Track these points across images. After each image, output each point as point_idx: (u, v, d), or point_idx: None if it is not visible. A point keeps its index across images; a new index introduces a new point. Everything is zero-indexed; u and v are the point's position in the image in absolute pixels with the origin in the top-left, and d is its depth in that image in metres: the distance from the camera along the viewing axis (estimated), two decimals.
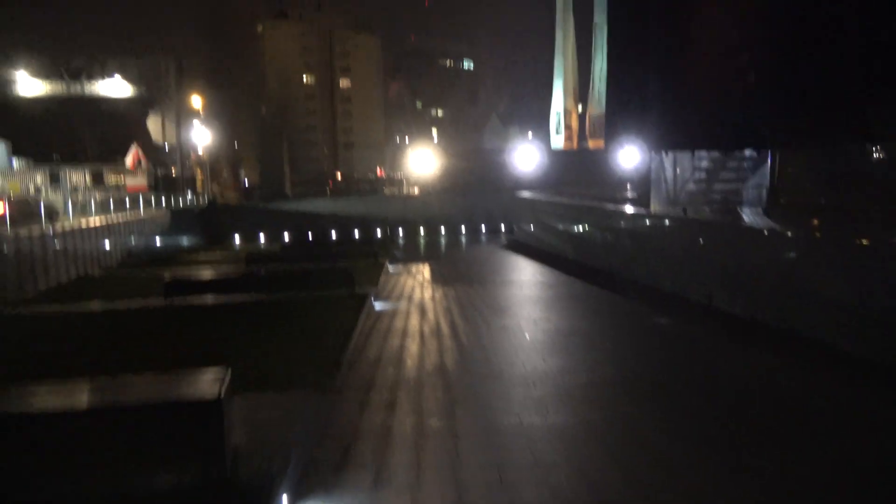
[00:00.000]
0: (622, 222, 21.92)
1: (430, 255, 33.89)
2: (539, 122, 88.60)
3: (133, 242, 29.70)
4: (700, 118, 17.19)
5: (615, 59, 23.33)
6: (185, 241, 38.63)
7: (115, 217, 29.19)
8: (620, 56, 22.51)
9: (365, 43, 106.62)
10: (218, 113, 71.89)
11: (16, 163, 43.25)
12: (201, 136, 59.80)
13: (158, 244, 33.47)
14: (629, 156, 55.40)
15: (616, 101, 22.66)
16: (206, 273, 23.85)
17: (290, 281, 19.07)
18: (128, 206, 36.07)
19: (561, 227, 31.59)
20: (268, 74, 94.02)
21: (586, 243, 25.89)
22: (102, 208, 35.23)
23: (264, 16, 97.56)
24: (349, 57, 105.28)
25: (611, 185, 49.57)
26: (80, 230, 24.55)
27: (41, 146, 47.35)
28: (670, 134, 18.33)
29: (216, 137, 74.63)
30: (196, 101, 56.97)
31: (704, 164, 19.38)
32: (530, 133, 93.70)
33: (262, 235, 46.10)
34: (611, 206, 24.42)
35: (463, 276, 23.48)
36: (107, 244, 26.12)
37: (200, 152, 75.67)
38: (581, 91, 70.45)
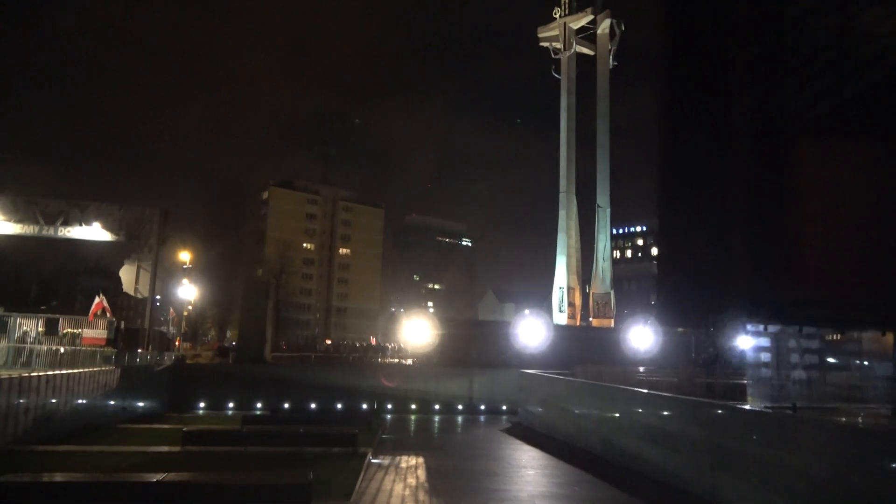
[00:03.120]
0: (696, 417, 15.94)
1: (423, 440, 27.30)
2: (536, 299, 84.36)
3: (54, 406, 23.22)
4: (812, 287, 12.23)
5: (673, 228, 18.65)
6: (132, 403, 32.04)
7: (33, 372, 23.07)
8: (681, 225, 17.93)
9: (367, 214, 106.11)
10: (209, 270, 67.77)
11: None
12: (186, 292, 54.84)
13: (91, 407, 26.87)
14: (641, 335, 50.14)
15: (675, 271, 17.65)
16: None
17: None
18: (77, 359, 30.21)
19: (582, 413, 25.48)
20: (268, 238, 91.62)
21: (626, 439, 19.69)
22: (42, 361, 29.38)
23: (271, 182, 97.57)
24: (351, 226, 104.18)
25: (628, 365, 43.51)
26: None
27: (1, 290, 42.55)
28: (763, 305, 13.24)
29: (204, 295, 69.93)
30: (184, 255, 52.84)
31: (815, 344, 14.13)
32: (527, 310, 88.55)
33: (230, 403, 39.45)
34: (667, 395, 18.62)
35: (465, 476, 17.07)
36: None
37: (188, 306, 70.52)
38: (584, 270, 67.30)
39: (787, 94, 14.16)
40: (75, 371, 25.86)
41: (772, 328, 14.21)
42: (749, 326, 14.36)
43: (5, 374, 21.82)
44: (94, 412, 26.88)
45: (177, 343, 49.75)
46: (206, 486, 9.29)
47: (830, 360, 15.25)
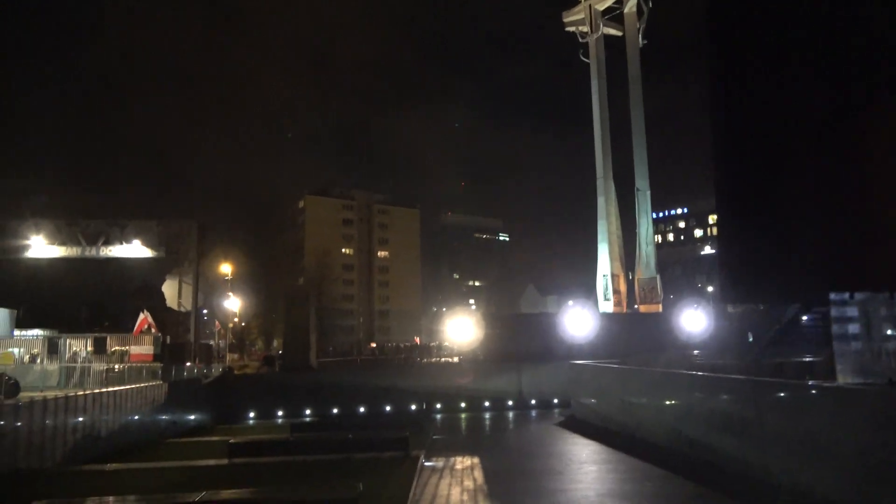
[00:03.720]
0: (779, 400, 14.41)
1: (475, 439, 26.23)
2: (579, 289, 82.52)
3: (102, 424, 22.85)
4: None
5: (734, 199, 17.08)
6: (181, 417, 31.70)
7: (77, 391, 22.73)
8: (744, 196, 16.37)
9: (403, 215, 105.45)
10: (250, 282, 67.92)
11: (17, 332, 38.19)
12: (230, 304, 54.84)
13: (139, 423, 26.51)
14: (693, 318, 48.08)
15: (740, 243, 16.10)
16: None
17: None
18: (125, 376, 30.06)
19: (642, 402, 24.07)
20: (306, 246, 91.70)
21: (695, 428, 18.25)
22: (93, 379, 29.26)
23: (306, 191, 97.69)
24: (388, 229, 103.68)
25: (681, 350, 41.75)
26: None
27: (49, 312, 42.89)
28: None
29: (247, 306, 70.17)
30: (226, 268, 52.84)
31: None
32: (570, 301, 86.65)
33: (279, 412, 39.00)
34: (744, 377, 17.10)
35: (526, 476, 15.92)
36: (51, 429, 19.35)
37: (234, 319, 70.87)
38: (626, 256, 65.34)
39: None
40: (122, 388, 25.52)
41: (859, 296, 12.69)
42: (833, 295, 12.85)
43: (51, 394, 21.54)
44: (142, 428, 26.51)
45: (226, 355, 49.75)
46: (246, 503, 8.38)
47: None
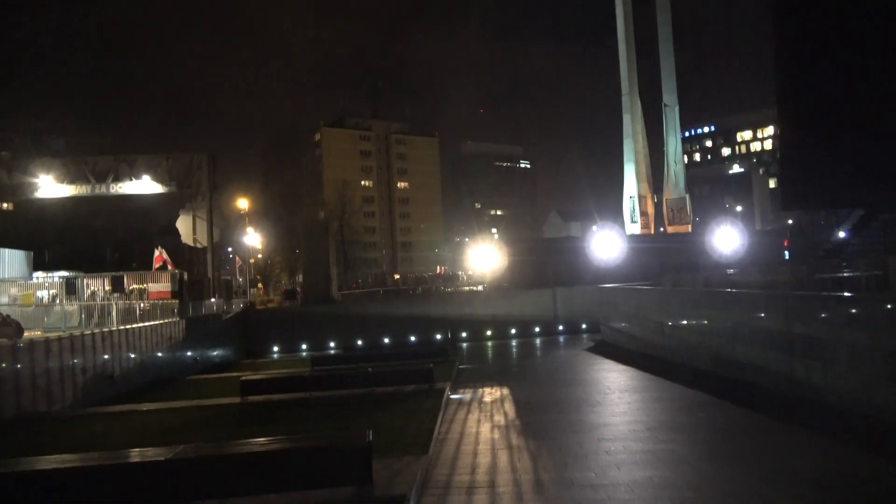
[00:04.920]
0: (853, 317, 12.38)
1: (504, 368, 24.86)
2: (604, 214, 79.82)
3: (116, 364, 21.77)
4: None
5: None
6: (203, 353, 30.87)
7: (83, 330, 21.57)
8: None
9: (422, 145, 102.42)
10: (271, 217, 66.53)
11: (36, 273, 37.32)
12: (250, 239, 53.62)
13: (157, 361, 25.56)
14: (726, 237, 45.66)
15: (807, 144, 13.90)
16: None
17: None
18: (145, 314, 29.09)
19: (682, 324, 22.32)
20: (325, 180, 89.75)
21: (746, 349, 16.45)
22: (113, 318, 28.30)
23: (322, 123, 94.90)
24: (407, 159, 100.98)
25: (715, 270, 39.84)
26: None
27: (64, 252, 42.04)
28: None
29: (269, 241, 69.10)
30: (242, 202, 51.28)
31: None
32: (594, 226, 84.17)
33: (303, 345, 38.21)
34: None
35: (561, 408, 14.37)
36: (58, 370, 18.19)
37: (257, 254, 70.06)
38: (654, 176, 62.40)
39: None
40: (134, 326, 24.40)
41: None
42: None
43: (54, 335, 20.43)
44: (161, 366, 25.61)
45: (248, 290, 48.86)
46: (218, 460, 6.82)
47: None
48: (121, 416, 15.67)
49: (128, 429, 13.95)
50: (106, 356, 21.18)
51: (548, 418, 13.06)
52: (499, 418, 13.34)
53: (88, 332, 20.83)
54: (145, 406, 17.06)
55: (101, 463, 6.80)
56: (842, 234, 36.53)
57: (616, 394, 16.07)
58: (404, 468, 9.22)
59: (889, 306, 11.57)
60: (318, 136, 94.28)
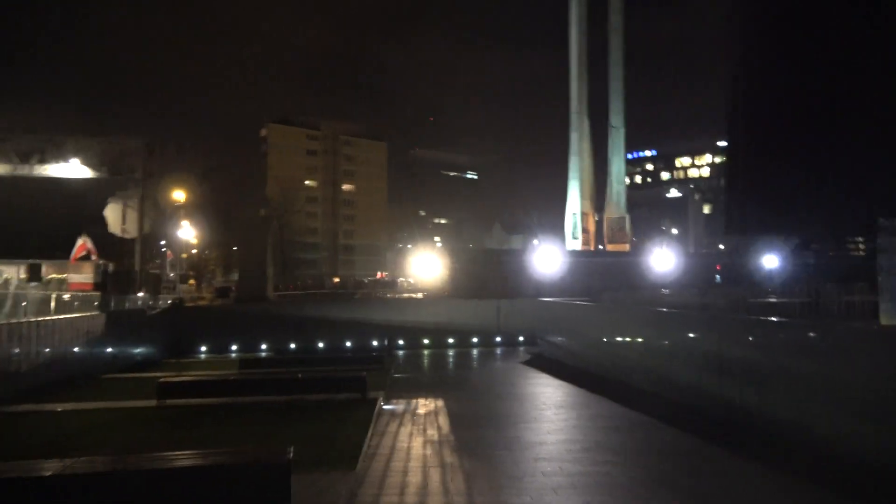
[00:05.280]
0: (813, 344, 12.32)
1: (440, 378, 24.29)
2: (546, 229, 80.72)
3: (20, 358, 20.09)
4: None
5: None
6: (124, 350, 29.10)
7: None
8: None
9: (370, 148, 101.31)
10: (208, 211, 64.15)
11: None
12: (184, 233, 51.50)
13: (71, 357, 23.83)
14: (662, 258, 46.63)
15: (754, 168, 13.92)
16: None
17: None
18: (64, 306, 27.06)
19: (621, 342, 22.33)
20: (269, 176, 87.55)
21: (687, 372, 16.42)
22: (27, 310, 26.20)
23: (269, 119, 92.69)
24: (354, 161, 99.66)
25: (651, 289, 40.56)
26: None
27: None
28: None
29: (205, 237, 66.67)
30: (178, 194, 49.17)
31: None
32: (535, 241, 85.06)
33: (233, 346, 36.63)
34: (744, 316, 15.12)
35: (497, 423, 13.93)
36: None
37: (193, 249, 67.47)
38: (596, 195, 63.44)
39: None
40: (46, 318, 22.66)
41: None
42: (883, 221, 10.72)
43: None
44: (74, 363, 23.81)
45: (177, 285, 46.77)
46: (111, 477, 5.99)
47: None
48: (18, 417, 14.31)
49: (24, 432, 12.68)
50: (14, 350, 19.51)
51: (483, 434, 12.56)
52: (432, 432, 12.76)
53: None
54: (49, 406, 15.68)
55: None
56: (772, 261, 37.80)
57: (552, 410, 15.74)
58: (328, 487, 8.52)
59: (824, 332, 11.62)
60: (264, 132, 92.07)
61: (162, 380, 15.91)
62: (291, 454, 6.65)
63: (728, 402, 13.52)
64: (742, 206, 14.76)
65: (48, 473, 5.75)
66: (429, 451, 11.03)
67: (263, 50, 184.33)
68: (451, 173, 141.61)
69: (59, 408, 15.52)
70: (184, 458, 6.93)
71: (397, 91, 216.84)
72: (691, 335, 16.40)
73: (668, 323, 18.37)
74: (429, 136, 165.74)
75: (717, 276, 48.92)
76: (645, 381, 18.91)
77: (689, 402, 15.30)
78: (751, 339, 13.19)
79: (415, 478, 9.32)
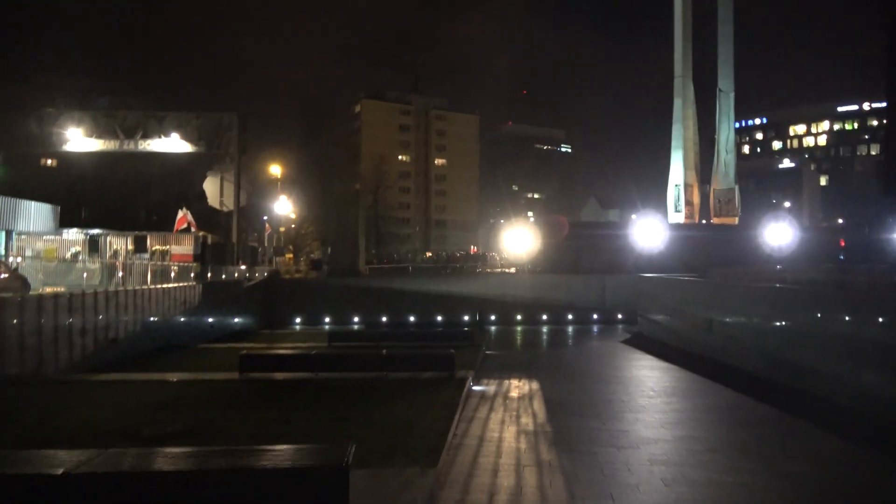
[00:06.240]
0: None
1: (534, 357, 22.69)
2: (642, 202, 76.51)
3: (120, 326, 20.29)
4: None
5: None
6: (221, 320, 29.44)
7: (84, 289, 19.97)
8: None
9: (462, 122, 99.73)
10: (305, 186, 65.04)
11: (70, 229, 36.44)
12: (281, 207, 52.22)
13: (168, 326, 24.08)
14: (777, 232, 42.42)
15: None
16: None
17: None
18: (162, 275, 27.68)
19: (733, 322, 19.91)
20: (363, 152, 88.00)
21: (814, 357, 14.03)
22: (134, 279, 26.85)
23: (362, 95, 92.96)
24: (445, 136, 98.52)
25: (764, 265, 36.98)
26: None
27: (101, 211, 41.03)
28: None
29: (302, 210, 67.77)
30: (275, 168, 49.75)
31: None
32: (634, 215, 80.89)
33: (326, 318, 36.60)
34: None
35: (600, 411, 12.24)
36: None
37: (291, 223, 68.89)
38: (702, 165, 58.95)
39: None
40: (144, 287, 22.93)
41: None
42: None
43: (50, 290, 19.00)
44: (171, 332, 24.10)
45: (274, 258, 47.49)
46: (129, 478, 4.87)
47: None
48: (105, 385, 14.09)
49: (103, 402, 12.29)
50: (109, 318, 19.72)
51: (585, 425, 10.92)
52: (526, 421, 11.25)
53: (90, 291, 19.30)
54: (136, 376, 15.45)
55: None
56: None
57: (662, 398, 13.83)
58: (404, 486, 7.22)
59: None
60: (357, 108, 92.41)
61: (244, 353, 15.28)
62: (351, 455, 5.34)
63: (866, 394, 11.17)
64: None
65: (59, 472, 4.71)
66: (523, 445, 9.54)
67: (352, 26, 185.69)
68: (545, 147, 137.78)
69: (145, 377, 15.24)
70: (227, 456, 5.77)
71: (489, 65, 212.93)
72: (820, 316, 13.94)
73: (790, 301, 15.87)
74: (522, 110, 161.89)
75: (842, 252, 44.17)
76: (763, 365, 16.56)
77: (817, 390, 12.99)
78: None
79: (506, 479, 7.86)
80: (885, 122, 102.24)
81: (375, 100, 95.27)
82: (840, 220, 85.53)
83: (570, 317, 36.65)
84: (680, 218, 54.31)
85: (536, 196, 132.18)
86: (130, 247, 33.93)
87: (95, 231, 35.47)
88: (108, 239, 34.14)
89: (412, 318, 36.25)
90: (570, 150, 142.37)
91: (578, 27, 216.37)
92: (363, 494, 6.54)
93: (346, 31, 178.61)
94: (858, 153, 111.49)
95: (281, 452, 5.68)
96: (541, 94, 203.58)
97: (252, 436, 9.16)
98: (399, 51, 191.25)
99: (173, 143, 35.71)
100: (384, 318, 36.13)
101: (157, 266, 29.51)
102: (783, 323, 16.42)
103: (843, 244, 46.10)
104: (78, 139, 36.40)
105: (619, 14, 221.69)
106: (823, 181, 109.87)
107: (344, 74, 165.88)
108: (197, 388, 13.81)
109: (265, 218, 58.63)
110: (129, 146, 36.01)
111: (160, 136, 36.05)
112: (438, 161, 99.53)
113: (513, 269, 48.73)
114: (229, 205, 36.55)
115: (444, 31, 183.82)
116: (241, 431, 9.65)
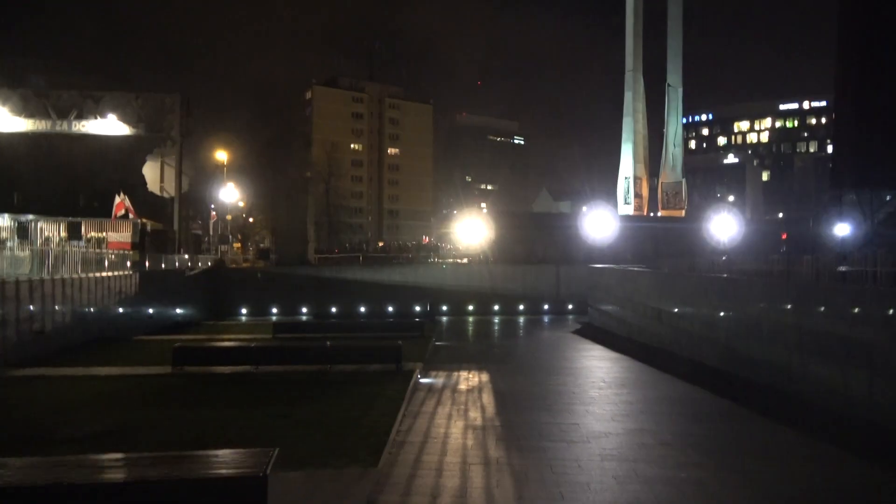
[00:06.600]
0: None
1: (484, 348, 22.33)
2: (594, 195, 77.36)
3: (47, 317, 18.97)
4: None
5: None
6: (161, 311, 28.12)
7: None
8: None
9: (416, 111, 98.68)
10: (254, 174, 63.14)
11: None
12: (227, 194, 50.50)
13: (101, 317, 22.78)
14: (722, 225, 43.26)
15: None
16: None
17: None
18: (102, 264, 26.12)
19: (685, 313, 19.96)
20: (314, 140, 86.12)
21: (767, 349, 14.02)
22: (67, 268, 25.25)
23: (314, 81, 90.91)
24: (399, 125, 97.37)
25: (710, 257, 37.59)
26: None
27: (36, 196, 38.66)
28: None
29: (250, 199, 65.83)
30: (221, 154, 47.98)
31: None
32: (584, 207, 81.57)
33: (273, 308, 35.50)
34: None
35: (550, 404, 11.92)
36: None
37: (241, 213, 66.87)
38: (652, 158, 59.77)
39: None
40: (75, 276, 21.56)
41: None
42: None
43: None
44: (105, 323, 22.78)
45: (218, 247, 45.87)
46: (34, 493, 4.20)
47: None
48: (24, 381, 13.00)
49: (18, 400, 11.28)
50: (36, 308, 18.40)
51: (535, 419, 10.55)
52: (475, 415, 10.81)
53: (15, 280, 17.95)
54: (61, 371, 14.37)
55: None
56: (848, 229, 34.20)
57: (613, 389, 13.62)
58: (343, 489, 6.66)
59: None
60: (309, 94, 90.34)
61: (178, 345, 14.37)
62: (273, 462, 4.77)
63: (821, 385, 11.16)
64: (851, 158, 12.28)
65: None
66: (470, 441, 9.09)
67: (309, 12, 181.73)
68: (498, 138, 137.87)
69: (70, 373, 14.18)
70: (132, 465, 5.10)
71: (444, 55, 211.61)
72: (771, 306, 13.95)
73: (740, 292, 15.91)
74: (476, 101, 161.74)
75: (783, 246, 45.32)
76: (713, 356, 16.60)
77: (769, 381, 12.99)
78: (857, 311, 10.73)
79: (451, 479, 7.38)
80: (824, 120, 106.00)
81: (328, 87, 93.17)
82: (781, 215, 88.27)
83: (521, 307, 36.61)
84: (629, 210, 54.97)
85: (490, 187, 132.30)
86: (64, 234, 32.03)
87: (26, 217, 33.39)
88: (40, 225, 32.13)
89: (363, 309, 35.54)
90: (523, 142, 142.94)
91: (535, 20, 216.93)
92: (297, 500, 5.96)
93: (303, 18, 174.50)
94: (798, 150, 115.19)
95: (197, 459, 5.05)
96: (495, 86, 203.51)
97: (178, 437, 8.44)
98: (356, 39, 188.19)
99: (110, 125, 33.88)
100: (334, 309, 35.31)
101: (92, 254, 27.89)
102: (732, 313, 16.46)
103: (784, 237, 47.35)
104: (4, 118, 34.15)
105: (574, 8, 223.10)
106: (766, 176, 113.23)
107: (298, 61, 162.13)
108: (125, 383, 12.87)
109: (213, 206, 56.72)
110: (62, 127, 34.00)
111: (96, 118, 34.14)
112: (392, 150, 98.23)
113: (465, 260, 48.41)
114: (170, 191, 34.94)
115: (401, 19, 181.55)
116: (167, 432, 8.89)
